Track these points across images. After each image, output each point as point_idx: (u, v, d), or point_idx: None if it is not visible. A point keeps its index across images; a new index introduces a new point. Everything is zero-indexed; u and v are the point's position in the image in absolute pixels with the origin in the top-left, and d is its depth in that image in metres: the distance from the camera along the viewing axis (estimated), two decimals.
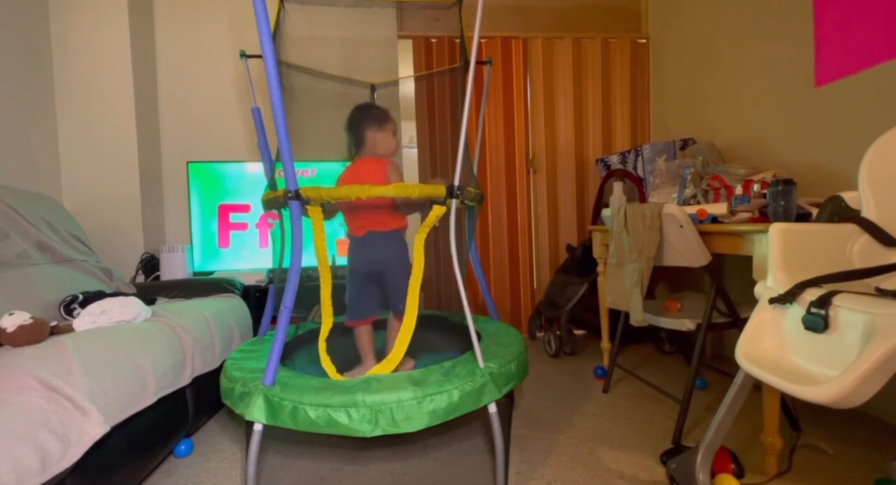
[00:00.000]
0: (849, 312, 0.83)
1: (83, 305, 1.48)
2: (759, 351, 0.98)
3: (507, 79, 2.86)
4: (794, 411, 1.49)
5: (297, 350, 1.67)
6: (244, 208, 2.54)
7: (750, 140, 2.18)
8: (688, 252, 1.53)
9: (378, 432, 1.09)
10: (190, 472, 1.40)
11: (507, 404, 1.49)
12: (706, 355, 2.37)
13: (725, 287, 1.57)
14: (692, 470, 1.14)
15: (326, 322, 1.36)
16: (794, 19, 1.89)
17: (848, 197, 1.13)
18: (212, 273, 2.47)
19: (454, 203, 1.28)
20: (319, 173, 2.57)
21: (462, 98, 1.30)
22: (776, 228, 1.05)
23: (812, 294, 0.91)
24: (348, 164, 1.66)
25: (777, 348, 0.97)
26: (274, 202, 1.44)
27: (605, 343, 2.15)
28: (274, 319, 1.64)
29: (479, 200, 1.55)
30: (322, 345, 1.32)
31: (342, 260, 1.76)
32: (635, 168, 2.42)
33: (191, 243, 2.49)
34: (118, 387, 1.12)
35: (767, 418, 1.27)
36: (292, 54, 2.16)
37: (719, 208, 1.54)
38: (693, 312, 1.68)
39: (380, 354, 1.31)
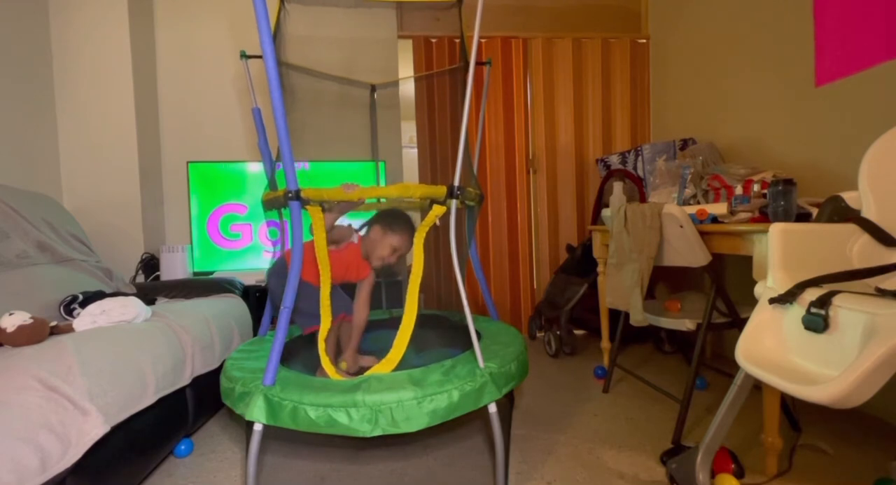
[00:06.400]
0: (849, 312, 0.83)
1: (83, 305, 1.48)
2: (759, 351, 0.98)
3: (507, 79, 2.86)
4: (794, 411, 1.49)
5: (297, 351, 1.67)
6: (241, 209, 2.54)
7: (750, 140, 2.18)
8: (688, 252, 1.53)
9: (378, 432, 1.09)
10: (190, 472, 1.40)
11: (507, 404, 1.49)
12: (706, 355, 2.36)
13: (725, 287, 1.57)
14: (692, 470, 1.14)
15: (325, 322, 1.35)
16: (794, 19, 1.89)
17: (848, 197, 1.13)
18: (212, 273, 2.47)
19: (454, 203, 1.28)
20: (313, 168, 2.57)
21: (462, 98, 1.30)
22: (776, 228, 1.05)
23: (812, 294, 0.91)
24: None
25: (777, 348, 0.97)
26: (274, 202, 1.44)
27: (605, 343, 2.15)
28: (274, 319, 1.64)
29: (479, 200, 1.56)
30: (321, 345, 1.32)
31: None
32: (635, 168, 2.42)
33: (191, 243, 2.49)
34: (118, 387, 1.12)
35: (767, 418, 1.27)
36: (293, 54, 2.16)
37: (719, 208, 1.54)
38: (693, 312, 1.68)
39: (380, 355, 1.32)
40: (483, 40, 2.82)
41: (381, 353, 1.32)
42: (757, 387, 1.12)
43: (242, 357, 1.48)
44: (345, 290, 1.67)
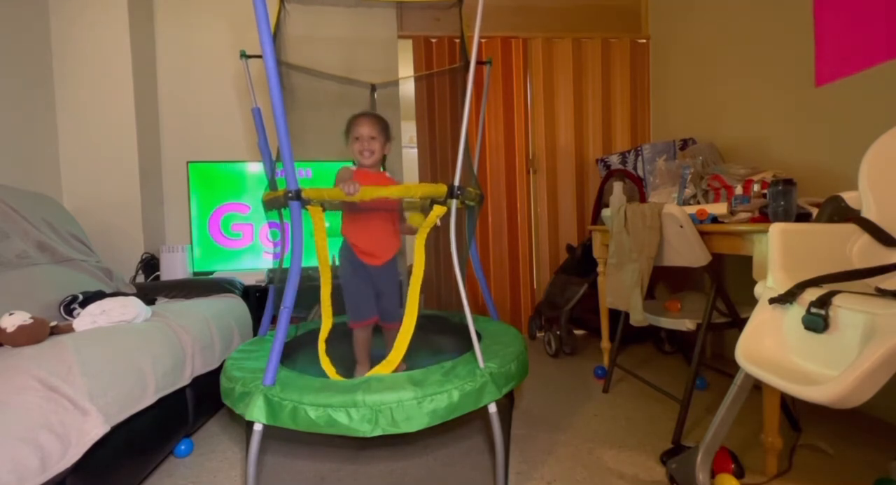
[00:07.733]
0: (849, 312, 0.83)
1: (83, 305, 1.48)
2: (759, 351, 0.98)
3: (507, 79, 2.86)
4: (794, 411, 1.49)
5: (297, 351, 1.67)
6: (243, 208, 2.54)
7: (750, 140, 2.18)
8: (688, 252, 1.53)
9: (378, 432, 1.09)
10: (190, 472, 1.40)
11: (507, 404, 1.49)
12: (706, 355, 2.36)
13: (725, 287, 1.57)
14: (692, 470, 1.14)
15: (326, 322, 1.35)
16: (794, 19, 1.89)
17: (848, 197, 1.13)
18: (212, 273, 2.47)
19: (454, 203, 1.28)
20: (316, 174, 2.57)
21: (462, 98, 1.30)
22: (776, 228, 1.05)
23: (812, 294, 0.91)
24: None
25: (777, 348, 0.97)
26: (274, 202, 1.44)
27: (605, 343, 2.15)
28: (274, 319, 1.64)
29: (479, 200, 1.55)
30: (321, 346, 1.32)
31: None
32: (635, 168, 2.42)
33: (191, 243, 2.49)
34: (118, 387, 1.12)
35: (767, 418, 1.27)
36: (292, 54, 2.16)
37: (719, 208, 1.54)
38: (693, 312, 1.68)
39: (380, 360, 1.32)
40: (483, 40, 2.82)
41: (382, 357, 1.31)
42: (757, 387, 1.11)
43: (242, 357, 1.48)
44: (390, 295, 1.62)
